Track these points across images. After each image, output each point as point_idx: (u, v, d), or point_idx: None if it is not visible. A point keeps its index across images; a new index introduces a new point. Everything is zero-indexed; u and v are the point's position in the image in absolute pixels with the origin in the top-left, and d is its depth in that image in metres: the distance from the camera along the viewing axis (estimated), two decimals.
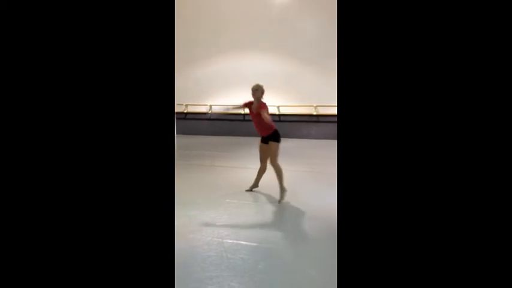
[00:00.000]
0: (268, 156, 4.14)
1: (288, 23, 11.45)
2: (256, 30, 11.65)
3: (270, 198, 4.15)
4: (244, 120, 11.68)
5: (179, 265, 2.40)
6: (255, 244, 2.86)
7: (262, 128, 4.06)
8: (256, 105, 4.01)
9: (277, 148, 4.05)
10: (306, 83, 11.29)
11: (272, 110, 11.68)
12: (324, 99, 10.98)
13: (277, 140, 4.04)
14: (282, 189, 4.05)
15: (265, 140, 4.13)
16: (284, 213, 3.75)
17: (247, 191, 4.46)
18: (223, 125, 11.90)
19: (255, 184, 4.48)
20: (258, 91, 4.02)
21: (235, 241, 2.91)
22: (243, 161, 6.89)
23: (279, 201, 3.99)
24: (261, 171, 4.37)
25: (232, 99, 11.82)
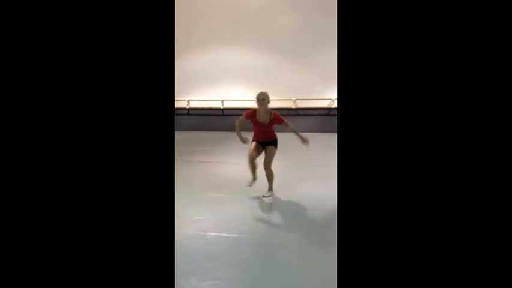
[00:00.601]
0: (259, 155, 3.96)
1: (267, 17, 11.48)
2: (236, 24, 11.61)
3: (251, 193, 4.17)
4: (223, 115, 11.66)
5: None
6: (236, 236, 2.90)
7: (268, 136, 3.93)
8: (271, 118, 3.81)
9: (275, 152, 3.94)
10: (285, 77, 11.37)
11: (252, 104, 11.68)
12: (303, 93, 11.11)
13: (276, 146, 3.96)
14: (270, 190, 4.04)
15: (260, 142, 3.97)
16: (265, 206, 3.80)
17: (248, 186, 4.09)
18: (202, 120, 11.85)
19: (255, 176, 4.08)
20: (265, 100, 3.76)
21: (217, 234, 2.94)
22: (223, 156, 6.91)
23: (263, 196, 4.00)
24: (253, 167, 3.99)
25: (210, 94, 11.78)
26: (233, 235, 2.92)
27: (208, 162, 6.31)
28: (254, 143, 3.97)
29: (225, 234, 2.93)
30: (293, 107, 11.15)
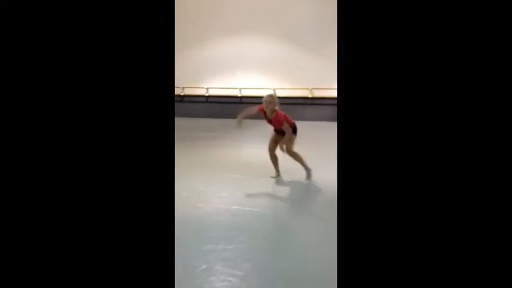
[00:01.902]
0: (277, 145, 4.27)
1: (284, 6, 11.63)
2: (253, 14, 11.82)
3: (269, 174, 4.48)
4: (240, 103, 11.99)
5: (192, 228, 2.80)
6: (258, 210, 3.27)
7: (279, 126, 4.17)
8: (274, 118, 4.10)
9: (292, 138, 4.17)
10: (302, 67, 11.56)
11: (268, 92, 11.86)
12: (319, 82, 11.30)
13: (294, 132, 4.21)
14: (307, 169, 4.31)
15: (279, 131, 4.23)
16: (283, 185, 4.15)
17: (272, 177, 4.42)
18: (220, 107, 12.19)
19: (277, 170, 4.48)
20: (271, 104, 4.07)
21: (240, 207, 3.31)
22: (241, 142, 7.27)
23: (307, 179, 4.27)
24: (274, 159, 4.42)
25: (229, 82, 12.10)
26: (255, 209, 3.28)
27: (228, 147, 6.68)
28: (272, 133, 4.35)
29: (248, 208, 3.29)
30: (309, 96, 11.36)
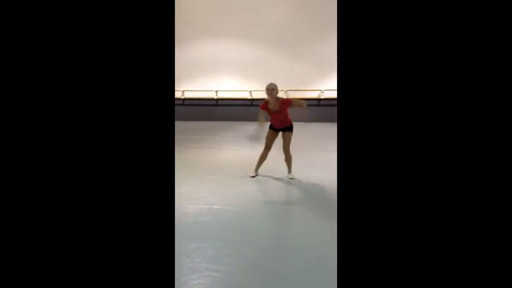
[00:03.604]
0: (273, 142, 4.45)
1: (259, 9, 11.81)
2: (228, 16, 11.93)
3: (247, 175, 4.61)
4: (216, 105, 12.04)
5: (177, 228, 2.86)
6: (239, 208, 3.36)
7: (284, 122, 4.33)
8: (279, 104, 4.22)
9: (291, 137, 4.40)
10: (277, 68, 11.76)
11: (245, 94, 12.13)
12: (294, 84, 11.54)
13: (292, 130, 4.40)
14: (290, 173, 4.48)
15: (277, 129, 4.38)
16: (261, 185, 4.26)
17: (252, 177, 4.55)
18: (197, 110, 12.21)
19: (256, 170, 4.62)
20: (274, 90, 4.21)
21: (222, 207, 3.40)
22: (219, 143, 7.34)
23: (290, 179, 4.41)
24: (263, 158, 4.56)
25: (205, 85, 12.14)
26: (236, 208, 3.38)
27: (205, 149, 6.73)
28: (270, 131, 4.46)
29: (229, 207, 3.38)
30: (285, 97, 11.57)
